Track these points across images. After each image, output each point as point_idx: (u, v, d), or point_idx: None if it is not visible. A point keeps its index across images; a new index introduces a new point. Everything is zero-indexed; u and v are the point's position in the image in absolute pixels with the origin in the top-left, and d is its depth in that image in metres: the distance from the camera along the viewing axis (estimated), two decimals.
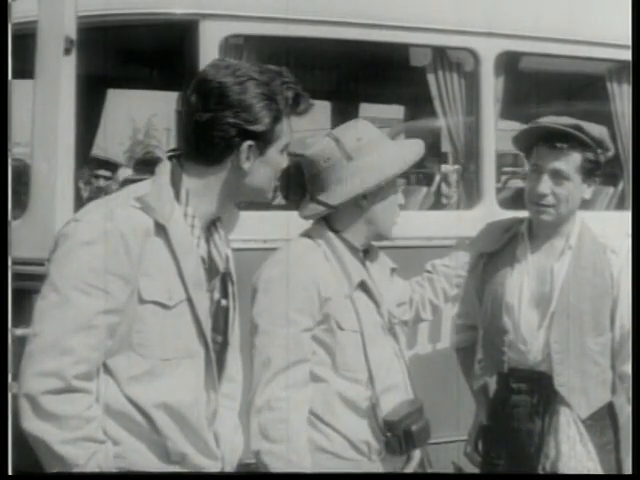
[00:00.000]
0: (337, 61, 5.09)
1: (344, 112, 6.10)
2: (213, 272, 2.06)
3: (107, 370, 1.93)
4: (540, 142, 2.68)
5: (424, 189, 4.92)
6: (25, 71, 3.49)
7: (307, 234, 2.52)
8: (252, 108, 1.97)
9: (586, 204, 2.82)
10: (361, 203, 2.47)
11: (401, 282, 2.75)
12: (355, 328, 2.42)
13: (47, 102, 3.69)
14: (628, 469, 2.66)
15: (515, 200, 4.23)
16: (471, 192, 4.40)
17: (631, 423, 2.61)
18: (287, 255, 2.44)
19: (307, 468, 2.33)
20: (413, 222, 3.85)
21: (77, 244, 1.90)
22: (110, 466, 1.92)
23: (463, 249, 2.91)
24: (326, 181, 2.47)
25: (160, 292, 1.94)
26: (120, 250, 1.89)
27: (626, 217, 2.75)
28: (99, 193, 6.06)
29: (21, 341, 1.94)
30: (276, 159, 2.05)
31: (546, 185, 2.66)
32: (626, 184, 4.68)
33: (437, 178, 4.87)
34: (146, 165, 7.59)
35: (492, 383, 2.83)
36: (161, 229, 1.95)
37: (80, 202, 3.89)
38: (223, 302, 2.10)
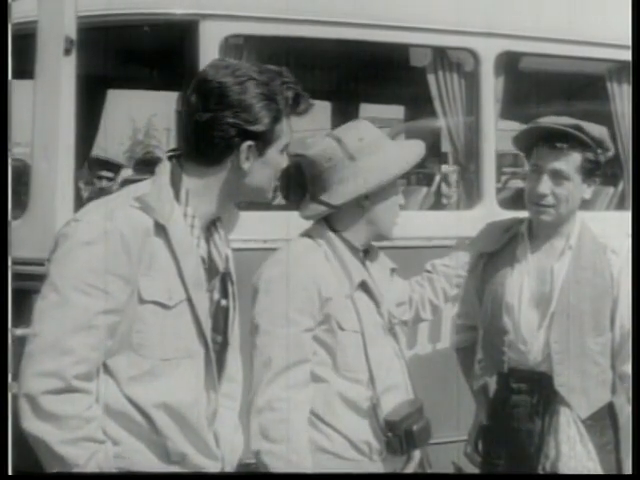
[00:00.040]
0: (337, 61, 5.09)
1: (344, 112, 6.10)
2: (213, 272, 2.06)
3: (107, 370, 1.93)
4: (540, 142, 2.68)
5: (424, 189, 4.92)
6: (25, 71, 3.49)
7: (307, 234, 2.52)
8: (252, 108, 1.97)
9: (586, 204, 2.82)
10: (363, 203, 2.47)
11: (401, 282, 2.75)
12: (356, 328, 2.42)
13: (47, 102, 3.69)
14: (628, 469, 2.66)
15: (515, 200, 4.23)
16: (471, 192, 4.40)
17: (631, 423, 2.61)
18: (288, 255, 2.44)
19: (307, 468, 2.33)
20: (413, 222, 3.84)
21: (77, 244, 1.90)
22: (110, 466, 1.92)
23: (463, 249, 2.91)
24: (328, 181, 2.47)
25: (160, 292, 1.94)
26: (120, 250, 1.89)
27: (626, 217, 2.75)
28: (101, 194, 6.06)
29: (21, 341, 1.94)
30: (276, 159, 2.05)
31: (546, 185, 2.66)
32: (626, 184, 4.68)
33: (437, 178, 4.87)
34: (146, 165, 7.60)
35: (492, 383, 2.83)
36: (161, 229, 1.95)
37: (80, 202, 3.89)
38: (223, 302, 2.10)
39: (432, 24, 4.18)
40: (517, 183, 6.45)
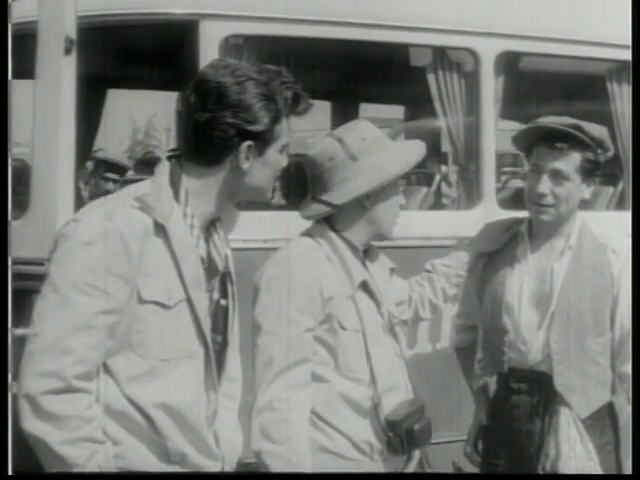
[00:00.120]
0: (337, 61, 5.09)
1: (344, 112, 6.11)
2: (212, 272, 2.06)
3: (107, 370, 1.93)
4: (540, 142, 2.68)
5: (424, 189, 4.92)
6: (25, 71, 3.49)
7: (308, 233, 2.52)
8: (251, 108, 1.97)
9: (586, 204, 2.82)
10: (364, 203, 2.48)
11: (400, 282, 2.75)
12: (357, 328, 2.42)
13: (47, 102, 3.70)
14: (628, 469, 2.66)
15: (515, 200, 4.23)
16: (471, 192, 4.40)
17: (631, 423, 2.61)
18: (289, 254, 2.44)
19: (308, 468, 2.33)
20: (413, 222, 3.85)
21: (77, 244, 1.90)
22: (110, 466, 1.92)
23: (463, 249, 2.91)
24: (329, 181, 2.47)
25: (159, 292, 1.94)
26: (120, 250, 1.89)
27: (626, 217, 2.75)
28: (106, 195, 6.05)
29: (21, 341, 1.93)
30: (275, 159, 2.05)
31: (546, 185, 2.66)
32: (626, 184, 4.68)
33: (437, 178, 4.87)
34: (146, 165, 7.60)
35: (492, 383, 2.83)
36: (160, 229, 1.94)
37: (80, 202, 3.89)
38: (222, 302, 2.10)
39: (432, 24, 4.19)
40: (517, 183, 6.44)
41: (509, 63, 4.39)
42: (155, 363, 1.95)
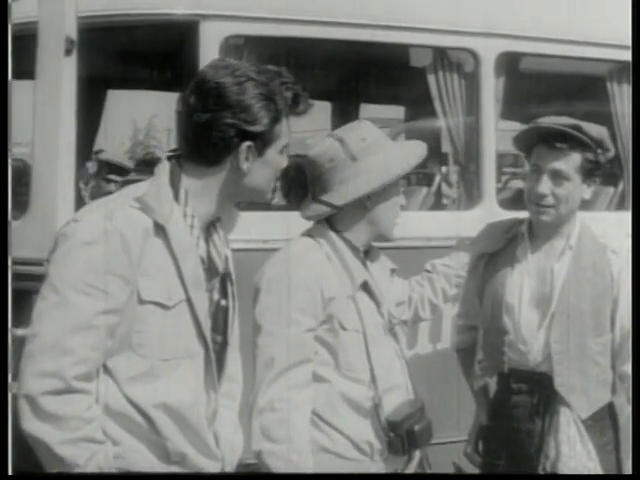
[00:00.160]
0: (337, 61, 5.09)
1: (344, 112, 6.11)
2: (212, 272, 2.06)
3: (107, 370, 1.93)
4: (540, 142, 2.68)
5: (424, 189, 4.92)
6: (25, 71, 3.49)
7: (308, 234, 2.52)
8: (251, 108, 1.97)
9: (586, 204, 2.82)
10: (365, 204, 2.48)
11: (400, 282, 2.75)
12: (357, 328, 2.42)
13: (48, 103, 3.70)
14: (628, 469, 2.66)
15: (515, 200, 4.24)
16: (471, 192, 4.40)
17: (631, 423, 2.61)
18: (289, 255, 2.44)
19: (308, 468, 2.33)
20: (413, 222, 3.85)
21: (77, 244, 1.90)
22: (110, 466, 1.92)
23: (463, 249, 2.91)
24: (329, 182, 2.47)
25: (159, 292, 1.94)
26: (119, 250, 1.89)
27: (626, 217, 2.75)
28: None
29: (21, 341, 1.93)
30: (275, 159, 2.05)
31: (546, 185, 2.66)
32: (626, 184, 4.68)
33: (437, 178, 4.87)
34: (147, 165, 7.60)
35: (492, 383, 2.83)
36: (160, 229, 1.94)
37: (80, 202, 3.90)
38: (222, 302, 2.10)
39: (432, 24, 4.19)
40: (517, 183, 6.44)
41: (509, 63, 4.40)
42: (155, 363, 1.95)
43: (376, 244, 2.61)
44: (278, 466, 2.32)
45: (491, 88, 4.30)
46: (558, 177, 2.65)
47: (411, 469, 2.51)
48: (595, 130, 2.66)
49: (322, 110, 6.33)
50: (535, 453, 2.70)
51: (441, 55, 4.33)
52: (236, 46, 3.95)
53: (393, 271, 2.66)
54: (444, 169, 4.72)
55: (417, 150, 2.55)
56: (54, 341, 1.86)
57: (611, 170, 4.36)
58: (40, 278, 1.94)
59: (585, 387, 2.69)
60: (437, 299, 2.82)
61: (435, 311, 2.85)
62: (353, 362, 2.42)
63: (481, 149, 4.29)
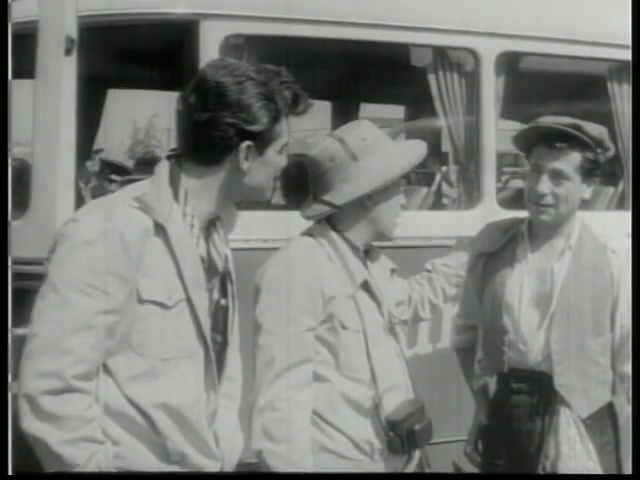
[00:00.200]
0: (337, 61, 5.09)
1: (344, 112, 6.11)
2: (212, 272, 2.06)
3: (107, 370, 1.93)
4: (539, 142, 2.68)
5: (424, 189, 4.92)
6: (25, 71, 3.49)
7: (309, 233, 2.52)
8: (251, 108, 1.96)
9: (586, 204, 2.82)
10: (365, 203, 2.48)
11: (400, 282, 2.75)
12: (358, 328, 2.43)
13: (48, 102, 3.69)
14: (628, 469, 2.66)
15: (515, 200, 4.23)
16: (471, 192, 4.40)
17: (631, 423, 2.61)
18: (290, 254, 2.44)
19: (309, 468, 2.33)
20: (413, 222, 3.85)
21: (76, 244, 1.89)
22: (110, 466, 1.92)
23: (463, 249, 2.91)
24: (330, 181, 2.47)
25: (159, 292, 1.94)
26: (119, 250, 1.89)
27: (626, 217, 2.75)
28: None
29: (21, 341, 1.93)
30: (275, 159, 2.05)
31: (545, 185, 2.66)
32: (626, 184, 4.68)
33: (437, 178, 4.87)
34: (147, 165, 7.61)
35: (492, 383, 2.83)
36: (160, 229, 1.94)
37: (81, 202, 3.90)
38: (222, 302, 2.10)
39: (432, 24, 4.19)
40: (517, 183, 6.45)
41: (509, 63, 4.39)
42: (155, 363, 1.95)
43: (376, 243, 2.61)
44: (278, 465, 2.32)
45: (491, 88, 4.29)
46: (558, 177, 2.65)
47: (411, 469, 2.51)
48: (595, 129, 2.66)
49: (322, 109, 6.33)
50: (535, 453, 2.70)
51: (441, 54, 4.33)
52: (236, 45, 3.95)
53: (393, 271, 2.66)
54: (444, 168, 4.73)
55: (417, 149, 2.55)
56: (54, 341, 1.86)
57: (611, 170, 4.37)
58: (40, 278, 1.94)
59: (585, 387, 2.69)
60: (437, 299, 2.82)
61: (435, 311, 2.85)
62: (353, 362, 2.42)
63: (481, 148, 4.29)
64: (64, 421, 1.86)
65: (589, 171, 2.67)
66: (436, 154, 4.69)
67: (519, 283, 2.74)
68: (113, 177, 6.78)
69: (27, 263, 2.91)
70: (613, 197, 4.83)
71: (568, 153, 2.64)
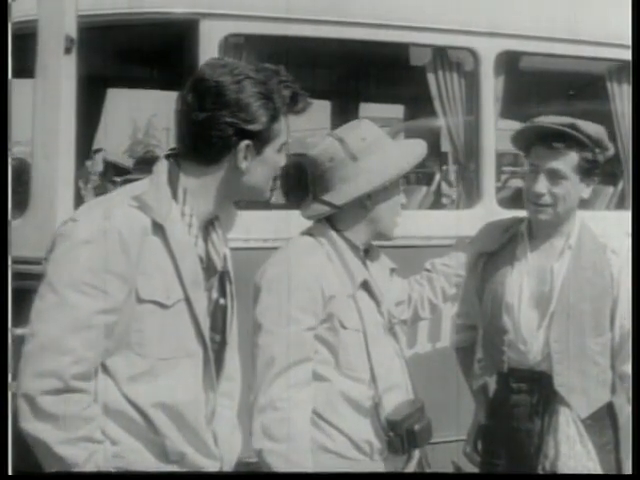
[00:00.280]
0: (337, 61, 5.09)
1: (344, 111, 6.11)
2: (211, 271, 2.06)
3: (105, 370, 1.93)
4: (537, 142, 2.67)
5: (424, 188, 4.92)
6: (25, 70, 3.49)
7: (309, 233, 2.52)
8: (249, 107, 1.96)
9: (586, 204, 2.82)
10: (366, 203, 2.48)
11: (400, 281, 2.75)
12: (358, 327, 2.42)
13: (47, 101, 3.70)
14: (628, 469, 2.66)
15: (515, 199, 4.23)
16: (471, 191, 4.41)
17: (631, 423, 2.61)
18: (290, 254, 2.44)
19: (309, 468, 2.33)
20: (413, 221, 3.85)
21: (75, 244, 1.89)
22: (109, 466, 1.92)
23: (462, 248, 2.91)
24: (330, 181, 2.47)
25: (158, 291, 1.94)
26: (118, 249, 1.89)
27: (626, 217, 2.75)
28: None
29: (21, 340, 1.93)
30: (274, 158, 2.05)
31: (543, 185, 2.65)
32: (626, 184, 4.68)
33: (437, 177, 4.87)
34: (146, 164, 7.61)
35: (492, 383, 2.83)
36: (159, 228, 1.94)
37: (80, 201, 3.90)
38: (221, 301, 2.10)
39: (432, 24, 4.19)
40: (517, 182, 6.45)
41: (509, 62, 4.40)
42: (154, 362, 1.95)
43: (376, 243, 2.61)
44: (278, 465, 2.32)
45: (491, 87, 4.30)
46: (555, 176, 2.65)
47: (410, 468, 2.51)
48: (592, 129, 2.66)
49: (322, 109, 6.33)
50: (534, 453, 2.70)
51: (441, 54, 4.34)
52: (236, 45, 3.95)
53: (393, 270, 2.66)
54: (444, 168, 4.73)
55: (417, 149, 2.55)
56: (52, 340, 1.86)
57: (611, 169, 4.37)
58: (40, 277, 1.94)
59: (585, 387, 2.69)
60: (437, 298, 2.82)
61: (435, 310, 2.85)
62: (353, 361, 2.42)
63: (481, 148, 4.30)
64: (63, 421, 1.86)
65: (587, 171, 2.67)
66: (436, 154, 4.69)
67: (519, 283, 2.74)
68: (117, 179, 6.78)
69: (27, 263, 2.90)
70: (613, 197, 4.83)
71: (565, 153, 2.64)
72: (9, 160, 2.23)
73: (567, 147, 2.63)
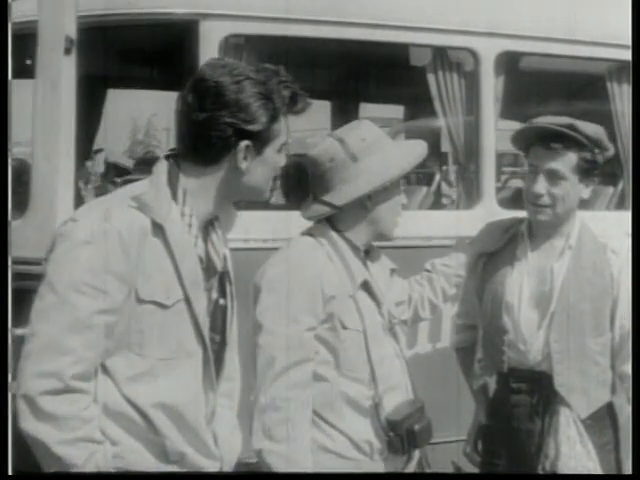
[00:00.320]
0: (337, 61, 5.09)
1: (344, 112, 6.11)
2: (211, 271, 2.06)
3: (105, 370, 1.93)
4: (536, 142, 2.68)
5: (424, 189, 4.92)
6: (25, 71, 3.50)
7: (309, 233, 2.52)
8: (249, 107, 1.96)
9: (586, 204, 2.82)
10: (366, 203, 2.48)
11: (400, 282, 2.75)
12: (358, 327, 2.42)
13: (48, 102, 3.70)
14: (628, 469, 2.66)
15: (515, 200, 4.23)
16: (471, 192, 4.41)
17: (631, 423, 2.61)
18: (290, 254, 2.44)
19: (309, 468, 2.33)
20: (413, 222, 3.85)
21: (75, 244, 1.89)
22: (108, 466, 1.92)
23: (463, 249, 2.91)
24: (330, 182, 2.47)
25: (158, 292, 1.94)
26: (118, 250, 1.89)
27: (626, 217, 2.75)
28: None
29: (21, 340, 1.93)
30: (273, 158, 2.05)
31: (542, 185, 2.65)
32: (626, 184, 4.68)
33: (437, 178, 4.87)
34: (146, 165, 7.60)
35: (492, 383, 2.83)
36: (158, 228, 1.94)
37: (81, 202, 3.90)
38: (221, 301, 2.10)
39: (432, 24, 4.19)
40: (517, 183, 6.45)
41: (509, 63, 4.40)
42: (154, 363, 1.95)
43: (376, 243, 2.61)
44: (279, 465, 2.32)
45: (491, 87, 4.30)
46: (554, 177, 2.65)
47: (410, 468, 2.51)
48: (591, 129, 2.65)
49: (322, 109, 6.33)
50: (535, 453, 2.70)
51: (441, 54, 4.34)
52: (236, 45, 3.95)
53: (393, 271, 2.66)
54: (444, 168, 4.73)
55: (417, 149, 2.55)
56: (52, 341, 1.86)
57: (611, 169, 4.37)
58: (40, 277, 1.94)
59: (585, 387, 2.69)
60: (437, 299, 2.82)
61: (435, 311, 2.85)
62: (353, 361, 2.42)
63: (481, 148, 4.30)
64: (63, 421, 1.86)
65: (587, 171, 2.67)
66: (436, 154, 4.69)
67: (519, 283, 2.74)
68: (118, 180, 6.78)
69: (27, 263, 2.90)
70: (613, 197, 4.83)
71: (564, 153, 2.64)
72: (9, 160, 2.23)
73: (565, 147, 2.63)
